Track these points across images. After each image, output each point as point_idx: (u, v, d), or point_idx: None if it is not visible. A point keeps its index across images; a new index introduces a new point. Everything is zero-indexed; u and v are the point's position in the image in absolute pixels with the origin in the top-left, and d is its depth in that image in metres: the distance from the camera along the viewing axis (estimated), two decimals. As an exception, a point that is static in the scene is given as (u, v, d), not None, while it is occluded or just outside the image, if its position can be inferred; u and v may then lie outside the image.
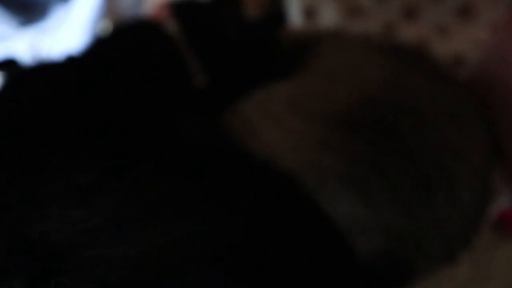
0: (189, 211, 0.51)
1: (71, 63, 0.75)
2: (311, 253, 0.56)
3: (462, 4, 1.07)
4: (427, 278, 0.66)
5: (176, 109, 0.73)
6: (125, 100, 0.69)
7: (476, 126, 0.74)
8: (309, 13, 1.12)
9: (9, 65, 0.96)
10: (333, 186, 0.65)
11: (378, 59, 0.79)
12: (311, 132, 0.69)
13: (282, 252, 0.53)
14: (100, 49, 0.80)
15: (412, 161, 0.66)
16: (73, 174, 0.52)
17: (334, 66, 0.79)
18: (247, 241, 0.51)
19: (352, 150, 0.66)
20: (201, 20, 0.83)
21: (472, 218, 0.69)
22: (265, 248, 0.52)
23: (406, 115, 0.69)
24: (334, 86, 0.74)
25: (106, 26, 1.20)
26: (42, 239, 0.47)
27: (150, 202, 0.51)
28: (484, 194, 0.72)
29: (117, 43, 0.80)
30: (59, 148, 0.56)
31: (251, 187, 0.56)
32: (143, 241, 0.47)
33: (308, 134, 0.69)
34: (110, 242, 0.47)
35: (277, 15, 0.96)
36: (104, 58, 0.77)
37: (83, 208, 0.49)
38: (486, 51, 0.95)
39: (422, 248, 0.65)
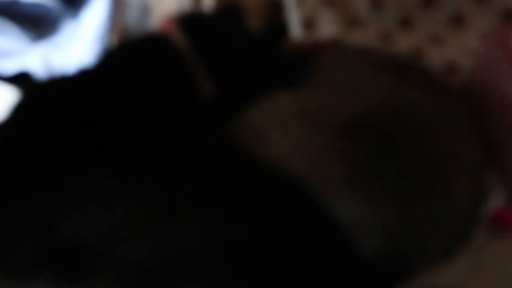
0: (205, 214, 0.54)
1: (84, 76, 0.79)
2: (315, 252, 0.60)
3: (454, 14, 1.12)
4: (424, 274, 0.70)
5: (186, 119, 0.77)
6: (138, 111, 0.73)
7: (470, 131, 0.78)
8: (309, 24, 1.16)
9: (23, 78, 1.00)
10: (337, 189, 0.69)
11: (377, 71, 0.83)
12: (316, 139, 0.73)
13: (289, 252, 0.57)
14: (111, 62, 0.84)
15: (410, 164, 0.70)
16: (95, 179, 0.55)
17: (336, 78, 0.83)
18: (259, 242, 0.54)
19: (355, 155, 0.70)
20: (207, 32, 0.87)
21: (468, 217, 0.73)
22: (274, 248, 0.56)
23: (404, 123, 0.74)
24: (337, 96, 0.78)
25: (113, 40, 1.25)
26: (67, 241, 0.51)
27: (170, 204, 0.54)
28: (479, 195, 0.76)
29: (127, 56, 0.84)
30: (81, 155, 0.60)
31: (260, 191, 0.60)
32: (164, 242, 0.51)
33: (314, 140, 0.73)
34: (132, 244, 0.51)
35: (279, 26, 1.00)
36: (116, 71, 0.80)
37: (105, 210, 0.53)
38: (477, 59, 0.99)
39: (420, 246, 0.69)
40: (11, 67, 1.15)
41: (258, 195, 0.58)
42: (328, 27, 1.15)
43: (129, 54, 0.84)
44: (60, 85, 0.78)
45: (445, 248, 0.71)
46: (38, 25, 1.30)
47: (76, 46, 1.29)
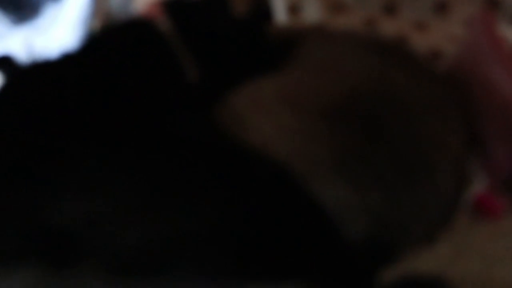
0: (193, 199, 0.54)
1: (68, 61, 0.78)
2: (301, 236, 0.60)
3: (438, 1, 1.12)
4: (409, 258, 0.71)
5: (171, 103, 0.77)
6: (123, 95, 0.72)
7: (453, 116, 0.79)
8: (294, 9, 1.16)
9: (6, 62, 0.99)
10: (322, 174, 0.69)
11: (361, 54, 0.83)
12: (300, 124, 0.73)
13: (275, 235, 0.57)
14: (95, 46, 0.83)
15: (395, 149, 0.71)
16: (83, 166, 0.55)
17: (320, 61, 0.83)
18: (246, 226, 0.55)
19: (340, 140, 0.71)
20: (192, 17, 0.87)
21: (450, 202, 0.74)
22: (261, 232, 0.56)
23: (389, 107, 0.74)
24: (321, 80, 0.78)
25: (96, 25, 1.23)
26: (55, 228, 0.50)
27: (157, 190, 0.54)
28: (462, 180, 0.77)
29: (112, 40, 0.83)
30: (67, 141, 0.60)
31: (246, 176, 0.60)
32: (153, 228, 0.51)
33: (298, 125, 0.73)
34: (120, 229, 0.51)
35: (263, 11, 0.99)
36: (100, 55, 0.80)
37: (94, 197, 0.53)
38: (461, 45, 1.00)
39: (404, 230, 0.70)
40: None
41: (244, 180, 0.58)
42: (312, 12, 1.15)
43: (113, 38, 0.83)
44: (44, 69, 0.77)
45: (428, 232, 0.72)
46: (20, 8, 1.28)
47: (58, 30, 1.27)
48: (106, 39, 0.83)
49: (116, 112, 0.69)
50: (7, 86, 0.73)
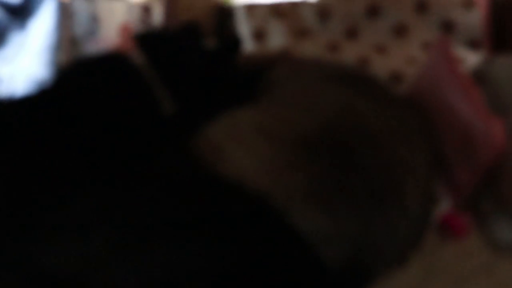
0: (177, 237, 0.57)
1: (41, 96, 0.78)
2: (282, 264, 0.63)
3: (397, 24, 1.17)
4: (383, 279, 0.74)
5: (148, 136, 0.78)
6: (99, 130, 0.74)
7: (419, 141, 0.83)
8: (258, 35, 1.19)
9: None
10: (300, 203, 0.72)
11: (329, 84, 0.87)
12: (277, 155, 0.76)
13: (258, 266, 0.60)
14: (68, 80, 0.84)
15: (367, 177, 0.75)
16: (69, 212, 0.57)
17: (290, 92, 0.87)
18: (231, 260, 0.57)
19: (315, 170, 0.74)
20: (165, 50, 0.89)
21: (420, 223, 0.78)
22: (246, 266, 0.59)
23: (359, 136, 0.78)
24: (294, 112, 0.81)
25: (62, 54, 1.23)
26: (49, 270, 0.52)
27: (144, 229, 0.56)
28: (429, 202, 0.81)
29: (86, 74, 0.84)
30: (53, 184, 0.61)
31: (227, 208, 0.63)
32: (142, 265, 0.53)
33: (274, 156, 0.76)
34: (111, 268, 0.52)
35: (232, 39, 1.02)
36: (74, 89, 0.80)
37: (84, 239, 0.54)
38: (420, 68, 1.04)
39: (378, 253, 0.74)
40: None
41: (224, 214, 0.61)
42: (277, 38, 1.18)
43: (87, 71, 0.84)
44: (18, 106, 0.77)
45: (400, 254, 0.76)
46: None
47: (24, 58, 1.27)
48: (80, 73, 0.83)
49: (96, 149, 0.70)
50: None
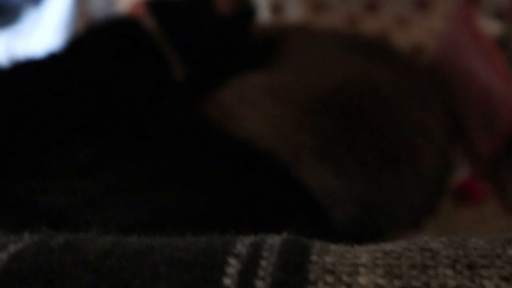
0: (180, 180, 0.55)
1: (54, 58, 0.79)
2: (291, 219, 0.61)
3: (419, -3, 1.14)
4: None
5: (158, 100, 0.78)
6: (112, 89, 0.73)
7: (436, 106, 0.81)
8: (276, 8, 1.18)
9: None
10: (309, 162, 0.70)
11: (345, 50, 0.85)
12: (286, 115, 0.74)
13: (265, 218, 0.58)
14: (81, 43, 0.84)
15: (379, 138, 0.72)
16: (73, 153, 0.56)
17: (304, 58, 0.85)
18: (237, 207, 0.56)
19: (325, 130, 0.72)
20: (177, 16, 0.88)
21: (434, 187, 0.76)
22: (251, 215, 0.57)
23: (372, 98, 0.76)
24: (306, 75, 0.80)
25: (79, 30, 1.24)
26: (48, 209, 0.51)
27: (144, 174, 0.55)
28: (445, 167, 0.79)
29: (98, 38, 0.84)
30: (59, 131, 0.61)
31: (236, 161, 0.61)
32: (141, 207, 0.52)
33: (284, 117, 0.74)
34: (110, 209, 0.51)
35: (248, 10, 1.01)
36: (86, 52, 0.81)
37: (84, 181, 0.54)
38: (442, 39, 1.02)
39: (390, 216, 0.71)
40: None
41: (234, 164, 0.59)
42: (295, 11, 1.17)
43: (99, 35, 0.84)
44: (31, 66, 0.78)
45: (413, 217, 0.74)
46: (0, 13, 1.28)
47: (40, 35, 1.28)
48: (92, 37, 0.83)
49: (104, 106, 0.70)
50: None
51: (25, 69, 0.76)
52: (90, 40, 0.82)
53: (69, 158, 0.55)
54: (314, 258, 0.28)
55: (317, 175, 0.69)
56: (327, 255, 0.28)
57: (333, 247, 0.30)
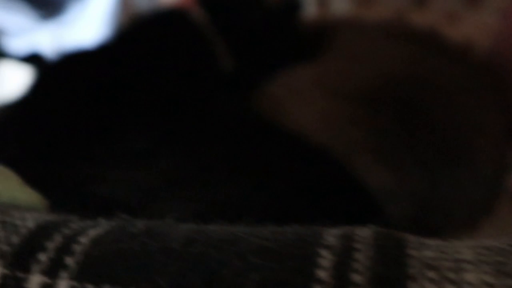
0: (238, 173, 0.54)
1: (105, 48, 0.78)
2: (345, 212, 0.59)
3: (470, -8, 1.11)
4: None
5: (207, 91, 0.76)
6: (162, 80, 0.72)
7: (494, 102, 0.77)
8: (322, 3, 1.15)
9: (35, 59, 0.99)
10: (362, 158, 0.68)
11: (396, 42, 0.82)
12: (338, 109, 0.72)
13: (322, 213, 0.56)
14: (131, 35, 0.83)
15: (436, 134, 0.70)
16: (129, 142, 0.55)
17: (354, 49, 0.83)
18: (291, 200, 0.54)
19: (378, 124, 0.70)
20: (226, 8, 0.87)
21: (492, 187, 0.73)
22: (307, 208, 0.55)
23: (427, 92, 0.73)
24: (357, 67, 0.78)
25: (123, 20, 1.24)
26: (107, 199, 0.50)
27: (201, 164, 0.54)
28: (502, 166, 0.76)
29: (146, 29, 0.83)
30: (114, 121, 0.60)
31: (291, 152, 0.60)
32: (198, 197, 0.50)
33: (335, 110, 0.72)
34: (167, 199, 0.50)
35: (295, 2, 0.99)
36: (135, 42, 0.80)
37: (140, 171, 0.53)
38: (495, 35, 0.99)
39: (447, 215, 0.69)
40: (21, 46, 1.14)
41: (289, 158, 0.58)
42: (341, 6, 1.14)
43: (147, 26, 0.83)
44: (80, 58, 0.77)
45: (471, 218, 0.71)
46: (46, 4, 1.29)
47: (85, 26, 1.28)
48: (142, 28, 0.83)
49: (157, 97, 0.69)
50: (43, 73, 0.73)
51: (77, 60, 0.76)
52: (140, 31, 0.81)
53: (126, 148, 0.54)
54: (412, 252, 0.26)
55: (371, 172, 0.67)
56: (426, 249, 0.26)
57: (429, 241, 0.28)
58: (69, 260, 0.26)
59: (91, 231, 0.27)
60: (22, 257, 0.27)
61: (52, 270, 0.26)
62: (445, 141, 0.70)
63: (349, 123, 0.71)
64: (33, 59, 1.04)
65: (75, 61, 0.75)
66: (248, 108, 0.72)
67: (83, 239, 0.27)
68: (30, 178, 0.51)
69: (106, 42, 0.80)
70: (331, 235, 0.27)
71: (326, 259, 0.25)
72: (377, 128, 0.70)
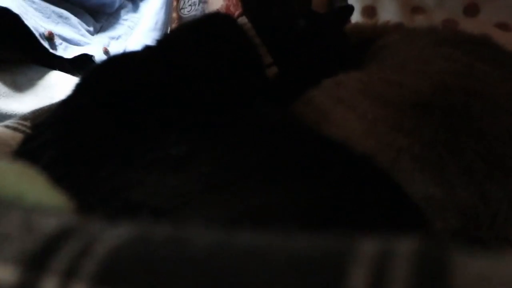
0: (277, 180, 0.52)
1: (150, 50, 0.78)
2: (390, 223, 0.57)
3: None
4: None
5: (251, 95, 0.76)
6: (205, 84, 0.72)
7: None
8: (369, 13, 1.14)
9: (87, 60, 1.01)
10: (408, 167, 0.66)
11: (446, 49, 0.80)
12: (384, 116, 0.71)
13: (365, 221, 0.55)
14: (176, 38, 0.83)
15: (485, 143, 0.67)
16: (166, 147, 0.55)
17: (402, 56, 0.81)
18: (333, 208, 0.53)
19: (425, 132, 0.68)
20: (272, 14, 0.86)
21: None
22: (349, 218, 0.54)
23: (477, 99, 0.71)
24: (404, 74, 0.76)
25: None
26: (141, 204, 0.50)
27: (238, 171, 0.53)
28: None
29: (191, 32, 0.83)
30: (152, 125, 0.60)
31: (334, 160, 0.58)
32: (237, 204, 0.49)
33: (381, 118, 0.70)
34: (205, 205, 0.49)
35: (345, 8, 0.98)
36: (182, 45, 0.80)
37: (178, 176, 0.52)
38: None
39: (495, 228, 0.66)
40: (76, 55, 1.17)
41: (333, 165, 0.56)
42: (389, 15, 1.13)
43: (193, 29, 0.83)
44: (124, 60, 0.78)
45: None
46: (102, 16, 1.32)
47: (135, 37, 1.30)
48: (187, 31, 0.83)
49: (198, 101, 0.68)
50: (89, 74, 0.74)
51: (121, 62, 0.76)
52: (184, 34, 0.82)
53: (163, 152, 0.54)
54: (457, 270, 0.24)
55: (416, 181, 0.65)
56: (473, 265, 0.25)
57: (478, 255, 0.26)
58: (87, 266, 0.26)
59: (112, 237, 0.27)
60: (40, 259, 0.27)
61: (69, 275, 0.26)
62: (494, 152, 0.67)
63: (396, 130, 0.69)
64: (83, 65, 1.07)
65: (118, 63, 0.76)
66: (291, 116, 0.71)
67: (103, 245, 0.26)
68: (66, 181, 0.51)
69: (152, 45, 0.81)
70: (367, 247, 0.26)
71: (360, 274, 0.24)
72: (423, 137, 0.68)
